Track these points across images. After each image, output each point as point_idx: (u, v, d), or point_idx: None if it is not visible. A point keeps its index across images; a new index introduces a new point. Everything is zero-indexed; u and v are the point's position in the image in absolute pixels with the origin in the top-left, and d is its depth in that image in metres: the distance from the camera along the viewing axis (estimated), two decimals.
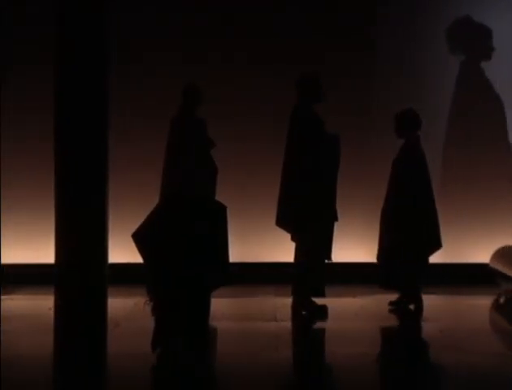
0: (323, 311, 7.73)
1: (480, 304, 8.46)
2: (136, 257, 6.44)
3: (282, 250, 8.63)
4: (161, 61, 9.36)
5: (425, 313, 7.92)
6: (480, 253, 9.20)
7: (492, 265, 8.87)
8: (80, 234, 7.01)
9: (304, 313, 7.71)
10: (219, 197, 7.57)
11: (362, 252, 9.15)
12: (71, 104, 7.01)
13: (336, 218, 7.80)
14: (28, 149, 9.20)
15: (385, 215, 8.00)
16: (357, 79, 9.45)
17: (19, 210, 9.14)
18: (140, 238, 6.13)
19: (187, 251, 6.06)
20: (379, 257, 8.00)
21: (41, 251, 8.92)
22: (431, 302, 8.48)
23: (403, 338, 7.23)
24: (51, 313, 7.14)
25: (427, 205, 7.93)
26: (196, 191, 6.49)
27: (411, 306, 7.98)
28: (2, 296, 8.03)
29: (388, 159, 8.50)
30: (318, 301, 7.74)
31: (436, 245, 8.01)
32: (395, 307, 8.01)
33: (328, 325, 7.57)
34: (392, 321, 7.69)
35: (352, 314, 7.87)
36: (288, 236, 7.82)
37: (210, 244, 6.13)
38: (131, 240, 6.28)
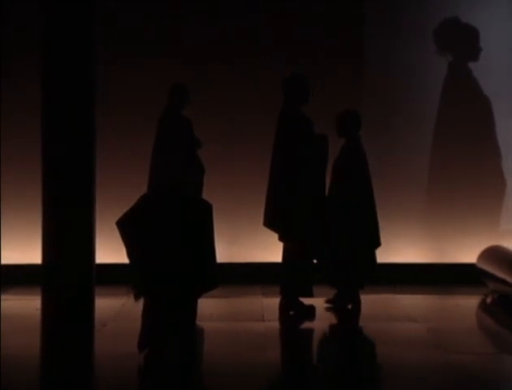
0: (310, 311, 7.74)
1: (467, 304, 8.48)
2: (123, 258, 6.43)
3: (270, 250, 8.63)
4: (148, 60, 9.35)
5: (412, 313, 7.93)
6: (467, 254, 9.22)
7: (479, 265, 8.90)
8: (67, 234, 7.01)
9: (292, 313, 7.72)
10: (207, 197, 7.57)
11: None
12: (58, 104, 7.01)
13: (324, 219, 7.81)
14: (13, 148, 9.17)
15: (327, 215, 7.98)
16: (343, 79, 9.45)
17: (5, 210, 9.10)
18: (124, 225, 6.13)
19: (172, 244, 6.06)
20: (319, 256, 7.97)
21: (28, 252, 8.90)
22: (419, 302, 8.50)
23: (391, 338, 7.24)
24: (38, 313, 7.14)
25: (367, 204, 7.89)
26: (182, 191, 6.49)
27: (349, 306, 7.97)
28: None
29: (377, 159, 8.54)
30: (306, 301, 7.76)
31: (376, 244, 7.98)
32: (331, 305, 8.01)
33: (316, 325, 7.58)
34: (380, 321, 7.70)
35: (339, 314, 7.88)
36: (276, 236, 7.83)
37: (196, 241, 6.13)
38: (118, 240, 6.27)
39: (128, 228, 6.15)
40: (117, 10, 9.21)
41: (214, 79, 9.35)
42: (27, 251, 8.92)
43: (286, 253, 7.81)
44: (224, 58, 9.42)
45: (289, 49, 9.33)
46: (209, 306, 7.68)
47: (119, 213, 6.33)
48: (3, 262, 8.80)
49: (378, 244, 7.98)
